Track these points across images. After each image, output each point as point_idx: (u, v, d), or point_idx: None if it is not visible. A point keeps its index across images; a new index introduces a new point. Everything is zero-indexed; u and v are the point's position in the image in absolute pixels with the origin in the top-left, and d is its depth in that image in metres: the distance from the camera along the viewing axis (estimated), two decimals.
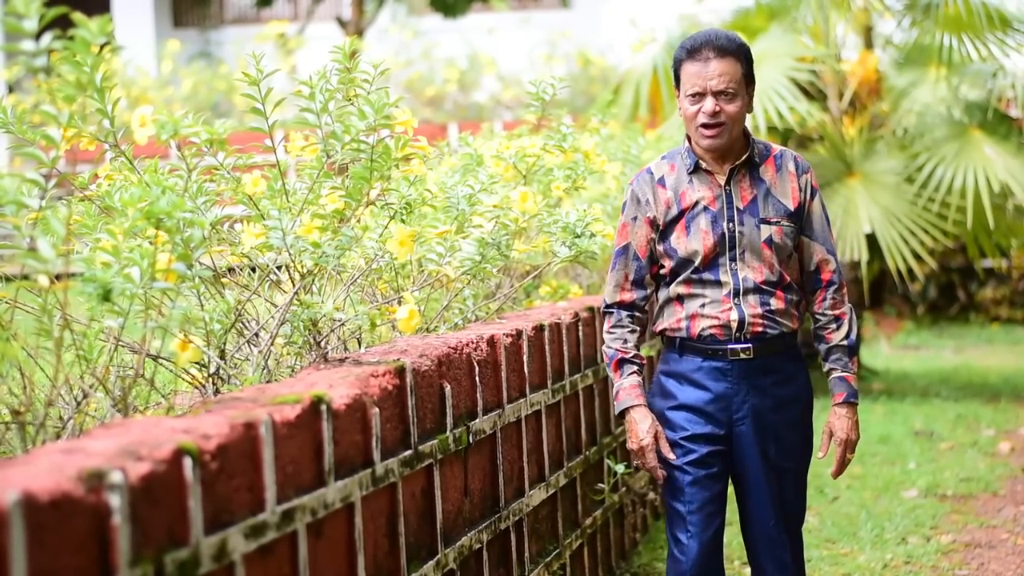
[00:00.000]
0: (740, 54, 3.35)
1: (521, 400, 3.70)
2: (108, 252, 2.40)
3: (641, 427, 3.38)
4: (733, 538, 4.66)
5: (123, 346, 2.81)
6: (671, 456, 3.38)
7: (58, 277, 2.33)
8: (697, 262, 3.36)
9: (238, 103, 14.99)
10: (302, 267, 3.03)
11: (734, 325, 3.35)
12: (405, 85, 17.03)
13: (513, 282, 4.50)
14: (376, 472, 2.64)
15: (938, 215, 8.61)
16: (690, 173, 3.40)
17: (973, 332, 12.80)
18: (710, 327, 3.37)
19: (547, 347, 3.97)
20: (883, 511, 5.83)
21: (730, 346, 3.37)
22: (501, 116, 16.74)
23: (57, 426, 2.58)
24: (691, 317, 3.39)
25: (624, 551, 4.93)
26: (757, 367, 3.38)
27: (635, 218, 3.45)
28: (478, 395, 3.32)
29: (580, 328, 4.40)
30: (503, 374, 3.54)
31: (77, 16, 2.39)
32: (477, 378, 3.32)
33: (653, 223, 3.41)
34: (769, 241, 3.37)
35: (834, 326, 3.46)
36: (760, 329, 3.36)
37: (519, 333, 3.72)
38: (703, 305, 3.37)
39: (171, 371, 3.07)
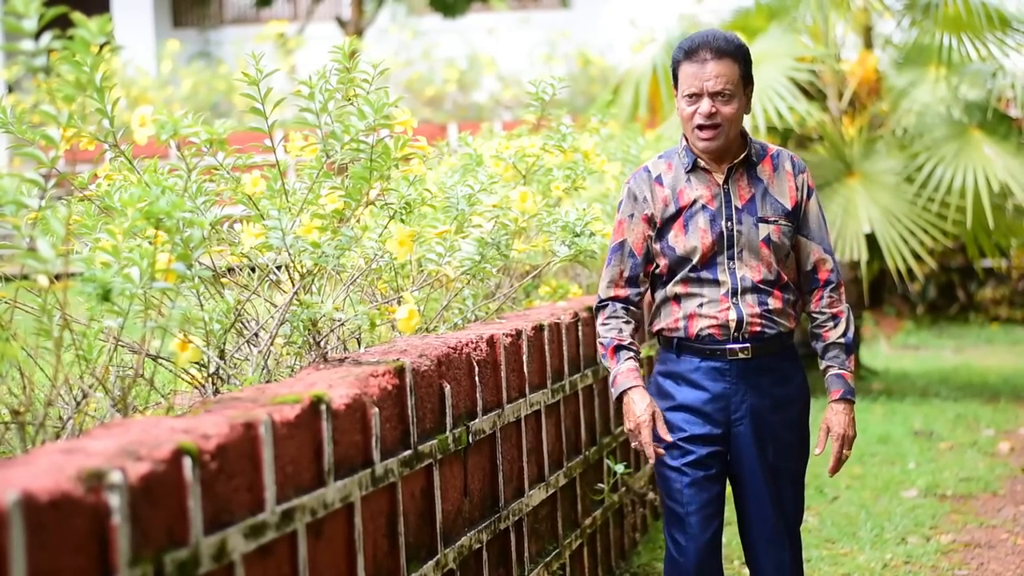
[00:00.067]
0: (738, 55, 3.35)
1: (521, 400, 3.70)
2: (108, 252, 2.40)
3: (638, 406, 3.35)
4: (732, 538, 4.66)
5: (123, 346, 2.81)
6: (667, 437, 3.34)
7: (58, 277, 2.33)
8: (695, 260, 3.36)
9: (238, 103, 14.98)
10: (302, 267, 3.03)
11: (732, 325, 3.35)
12: (405, 85, 17.03)
13: (513, 282, 4.50)
14: (376, 472, 2.64)
15: (938, 215, 8.61)
16: (688, 172, 3.40)
17: (973, 332, 12.80)
18: (708, 327, 3.37)
19: (547, 347, 3.97)
20: (883, 511, 5.83)
21: (728, 346, 3.37)
22: (501, 116, 16.74)
23: (57, 426, 2.58)
24: (689, 317, 3.39)
25: (624, 551, 4.93)
26: (755, 367, 3.38)
27: (632, 215, 3.44)
28: (478, 395, 3.32)
29: (580, 328, 4.40)
30: (503, 374, 3.54)
31: (76, 16, 2.39)
32: (477, 378, 3.32)
33: (650, 220, 3.41)
34: (767, 240, 3.37)
35: (831, 324, 3.47)
36: (758, 329, 3.36)
37: (519, 333, 3.72)
38: (701, 305, 3.37)
39: (171, 371, 3.07)
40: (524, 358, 3.75)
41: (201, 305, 3.08)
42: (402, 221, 3.35)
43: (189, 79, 16.66)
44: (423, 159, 3.44)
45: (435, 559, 2.94)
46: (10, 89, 16.11)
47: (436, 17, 17.33)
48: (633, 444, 3.39)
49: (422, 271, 3.56)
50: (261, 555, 2.17)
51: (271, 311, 3.24)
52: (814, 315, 3.49)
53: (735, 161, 3.39)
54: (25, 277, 2.51)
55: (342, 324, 3.13)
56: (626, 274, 3.45)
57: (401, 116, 3.24)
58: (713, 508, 3.41)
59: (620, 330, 3.44)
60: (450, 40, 18.42)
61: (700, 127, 3.32)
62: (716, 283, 3.36)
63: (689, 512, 3.39)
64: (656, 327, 3.49)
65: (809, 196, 3.46)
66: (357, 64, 3.27)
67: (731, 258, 3.36)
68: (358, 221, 3.32)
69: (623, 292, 3.46)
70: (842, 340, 3.46)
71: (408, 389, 2.85)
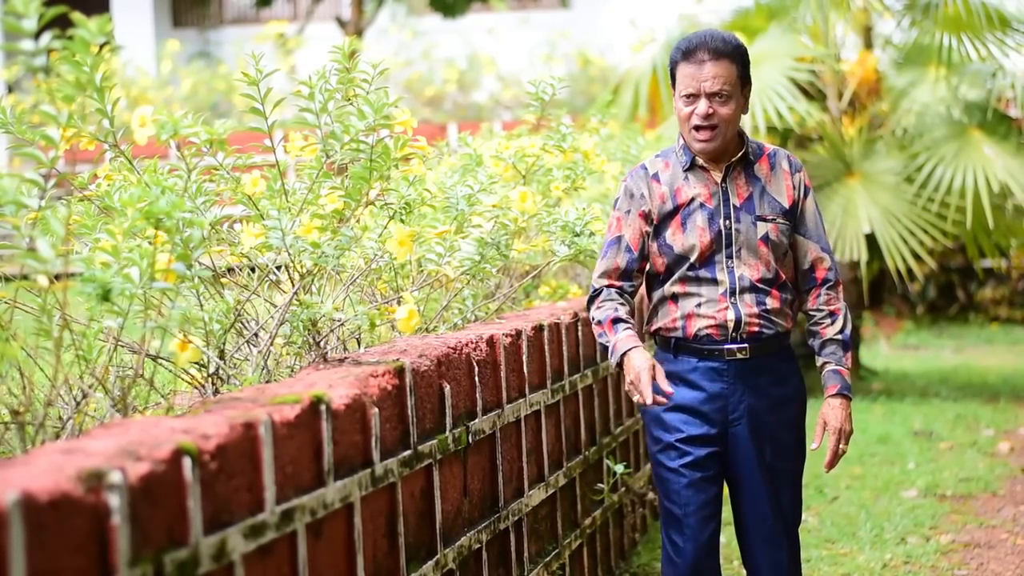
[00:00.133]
0: (735, 56, 3.34)
1: (520, 400, 3.70)
2: (107, 252, 2.40)
3: (637, 362, 3.25)
4: (732, 539, 4.66)
5: (122, 346, 2.81)
6: (669, 389, 3.23)
7: (57, 277, 2.33)
8: (693, 259, 3.36)
9: (237, 103, 14.98)
10: (301, 267, 3.03)
11: (730, 325, 3.35)
12: (405, 85, 17.03)
13: (512, 282, 4.50)
14: (375, 472, 2.64)
15: (937, 215, 8.61)
16: (686, 170, 3.40)
17: (972, 332, 12.80)
18: (706, 327, 3.36)
19: (546, 347, 3.97)
20: (882, 511, 5.83)
21: (726, 346, 3.37)
22: (500, 116, 16.74)
23: (56, 426, 2.58)
24: (687, 317, 3.38)
25: (623, 551, 4.93)
26: (753, 367, 3.38)
27: (628, 211, 3.43)
28: (477, 395, 3.32)
29: (579, 328, 4.40)
30: (502, 374, 3.54)
31: (76, 16, 2.39)
32: (476, 378, 3.32)
33: (647, 217, 3.41)
34: (766, 238, 3.37)
35: (828, 321, 3.46)
36: (756, 329, 3.36)
37: (518, 333, 3.72)
38: (699, 305, 3.37)
39: (170, 371, 3.07)
40: (524, 358, 3.75)
41: (201, 305, 3.08)
42: (402, 221, 3.35)
43: (189, 79, 16.66)
44: (423, 159, 3.44)
45: (435, 559, 2.94)
46: (10, 89, 16.11)
47: (436, 17, 17.33)
48: (635, 398, 3.26)
49: (422, 271, 3.56)
50: (261, 555, 2.17)
51: (271, 311, 3.24)
52: (811, 313, 3.49)
53: (733, 160, 3.39)
54: (25, 277, 2.51)
55: (342, 324, 3.13)
56: (621, 268, 3.43)
57: (401, 116, 3.24)
58: (711, 509, 3.41)
59: (616, 308, 3.39)
60: (450, 40, 18.42)
61: (697, 128, 3.32)
62: (714, 282, 3.36)
63: (687, 513, 3.39)
64: (653, 327, 3.49)
65: (806, 195, 3.46)
66: (357, 64, 3.27)
67: (729, 256, 3.36)
68: (358, 221, 3.32)
69: (617, 283, 3.44)
70: (839, 336, 3.45)
71: (408, 389, 2.85)
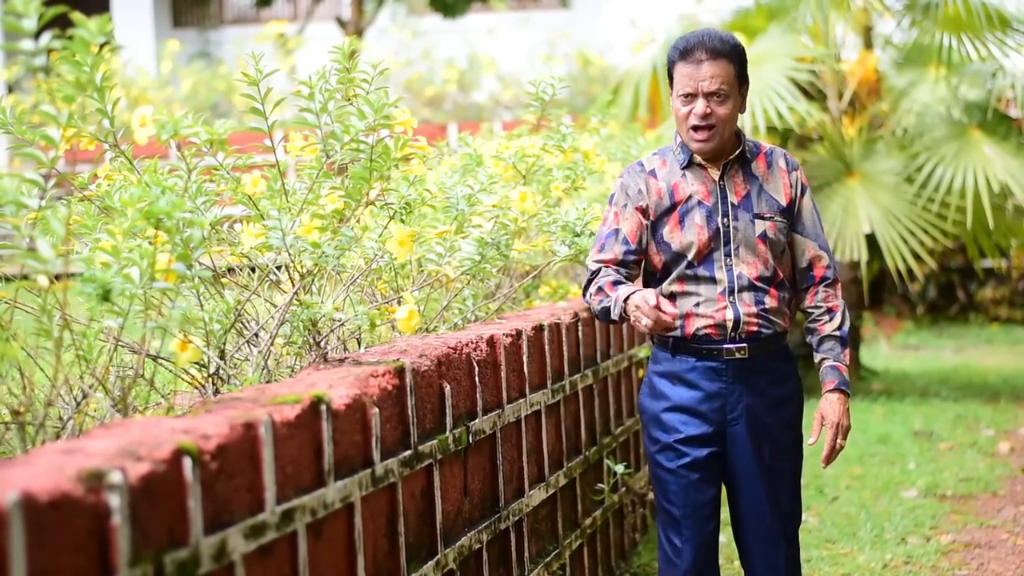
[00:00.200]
0: (733, 55, 3.33)
1: (521, 400, 3.70)
2: (108, 252, 2.40)
3: (640, 293, 3.16)
4: (732, 538, 4.66)
5: (123, 346, 2.81)
6: (673, 310, 3.15)
7: (58, 277, 2.33)
8: (691, 256, 3.35)
9: (238, 103, 14.98)
10: (302, 267, 3.03)
11: (729, 324, 3.35)
12: (405, 85, 17.03)
13: (513, 282, 4.50)
14: (376, 472, 2.64)
15: (938, 215, 8.61)
16: (683, 168, 3.40)
17: (973, 332, 12.80)
18: (705, 327, 3.36)
19: (547, 347, 3.97)
20: (883, 511, 5.83)
21: (725, 346, 3.36)
22: (501, 116, 16.74)
23: (57, 426, 2.58)
24: (685, 316, 3.38)
25: (624, 551, 4.93)
26: (751, 367, 3.38)
27: (626, 205, 3.41)
28: (478, 395, 3.32)
29: (580, 328, 4.40)
30: (503, 374, 3.54)
31: (76, 16, 2.39)
32: (477, 378, 3.32)
33: (645, 212, 3.40)
34: (764, 236, 3.37)
35: (826, 318, 3.46)
36: (755, 329, 3.36)
37: (519, 333, 3.72)
38: (698, 304, 3.36)
39: (171, 371, 3.07)
40: (524, 358, 3.75)
41: (201, 305, 3.08)
42: (402, 221, 3.34)
43: (189, 79, 16.66)
44: (423, 159, 3.44)
45: (435, 559, 2.94)
46: (10, 89, 16.11)
47: (436, 17, 17.33)
48: (642, 323, 3.14)
49: (422, 271, 3.56)
50: (261, 555, 2.17)
51: (271, 311, 3.24)
52: (809, 310, 3.48)
53: (730, 158, 3.39)
54: (25, 277, 2.51)
55: (342, 324, 3.13)
56: (619, 259, 3.38)
57: (401, 116, 3.24)
58: (710, 510, 3.41)
59: (615, 276, 3.34)
60: (450, 40, 18.42)
61: (695, 128, 3.32)
62: (712, 281, 3.36)
63: (686, 514, 3.39)
64: None
65: (803, 193, 3.46)
66: (357, 64, 3.27)
67: (728, 254, 3.35)
68: (358, 221, 3.32)
69: (614, 268, 3.40)
70: (837, 333, 3.45)
71: (408, 389, 2.85)
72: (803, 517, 5.64)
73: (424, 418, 2.96)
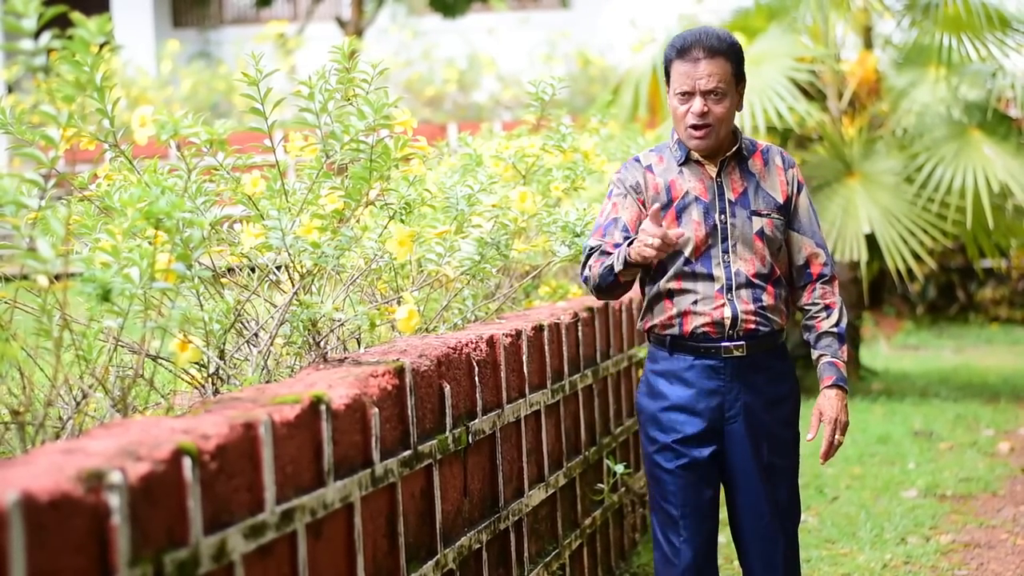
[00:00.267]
0: (730, 53, 3.33)
1: (520, 400, 3.70)
2: (107, 252, 2.40)
3: (643, 227, 3.14)
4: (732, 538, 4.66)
5: (123, 346, 2.81)
6: (679, 230, 3.13)
7: (57, 277, 2.33)
8: (688, 253, 3.35)
9: (238, 103, 14.98)
10: (301, 267, 3.03)
11: (727, 322, 3.34)
12: (405, 85, 17.03)
13: (512, 282, 4.50)
14: (375, 472, 2.64)
15: (937, 215, 8.61)
16: (681, 164, 3.40)
17: (972, 332, 12.80)
18: (703, 325, 3.35)
19: (546, 347, 3.97)
20: (883, 511, 5.83)
21: (723, 344, 3.36)
22: (500, 116, 16.74)
23: (56, 426, 2.58)
24: (683, 314, 3.38)
25: (623, 551, 4.93)
26: (749, 365, 3.38)
27: (625, 195, 3.39)
28: (477, 395, 3.32)
29: (579, 328, 4.40)
30: (502, 374, 3.54)
31: (76, 16, 2.39)
32: (476, 378, 3.32)
33: (643, 205, 3.39)
34: (761, 233, 3.37)
35: (824, 314, 3.46)
36: (752, 326, 3.36)
37: (518, 333, 3.72)
38: (695, 302, 3.36)
39: (171, 371, 3.07)
40: (524, 358, 3.75)
41: (201, 305, 3.08)
42: (402, 221, 3.34)
43: (189, 79, 16.66)
44: (423, 159, 3.44)
45: (435, 559, 2.94)
46: (10, 89, 16.10)
47: (436, 17, 17.33)
48: (649, 243, 3.10)
49: (422, 271, 3.56)
50: (261, 555, 2.17)
51: (271, 311, 3.24)
52: (806, 307, 3.48)
53: (727, 155, 3.39)
54: (25, 277, 2.51)
55: (342, 324, 3.13)
56: (618, 244, 3.34)
57: (401, 116, 3.24)
58: (708, 510, 3.41)
59: (616, 246, 3.31)
60: (450, 40, 18.42)
61: (693, 127, 3.32)
62: (710, 278, 3.35)
63: (684, 515, 3.38)
64: (648, 324, 3.47)
65: (799, 191, 3.46)
66: (357, 64, 3.27)
67: (725, 251, 3.35)
68: (358, 221, 3.32)
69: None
70: (835, 329, 3.45)
71: (408, 389, 2.85)
72: (803, 517, 5.66)
73: (424, 418, 2.96)
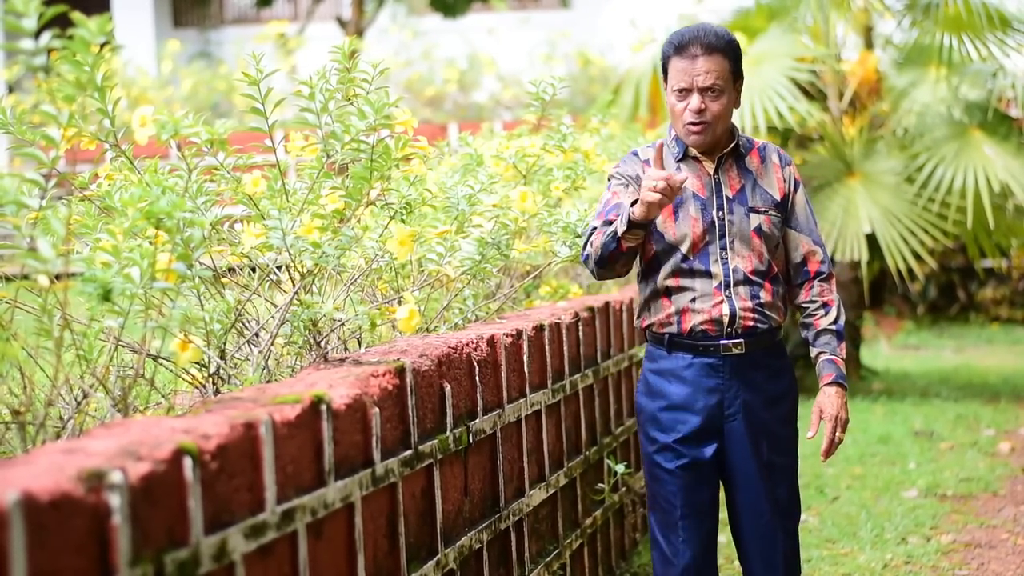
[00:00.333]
0: (728, 50, 3.33)
1: (521, 400, 3.70)
2: (108, 252, 2.40)
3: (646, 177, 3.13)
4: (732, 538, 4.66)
5: (123, 346, 2.81)
6: (682, 175, 3.12)
7: (58, 277, 2.33)
8: (685, 250, 3.35)
9: (238, 103, 14.99)
10: (302, 267, 3.03)
11: (726, 320, 3.34)
12: (405, 85, 17.03)
13: (513, 282, 4.50)
14: (376, 472, 2.64)
15: (938, 215, 8.61)
16: (678, 160, 3.39)
17: (973, 332, 12.80)
18: (701, 323, 3.35)
19: (547, 347, 3.97)
20: (883, 511, 5.83)
21: (722, 342, 3.36)
22: (501, 116, 16.74)
23: (57, 426, 2.58)
24: (681, 312, 3.37)
25: (624, 551, 4.93)
26: (748, 362, 3.37)
27: (627, 185, 3.37)
28: (478, 395, 3.32)
29: (580, 328, 4.40)
30: (503, 374, 3.53)
31: (76, 15, 2.39)
32: (477, 378, 3.32)
33: None
34: (759, 230, 3.37)
35: (822, 312, 3.46)
36: (751, 323, 3.36)
37: (519, 333, 3.71)
38: (694, 300, 3.36)
39: (171, 371, 3.07)
40: (524, 358, 3.75)
41: (201, 305, 3.08)
42: (402, 221, 3.34)
43: (189, 79, 16.66)
44: (423, 159, 3.44)
45: (435, 559, 2.94)
46: (10, 89, 16.11)
47: (436, 17, 17.34)
48: (653, 186, 3.08)
49: (422, 271, 3.55)
50: (261, 555, 2.17)
51: (271, 311, 3.24)
52: (804, 305, 3.48)
53: (724, 151, 3.39)
54: (25, 277, 2.51)
55: (342, 324, 3.13)
56: None
57: (401, 116, 3.24)
58: (708, 510, 3.41)
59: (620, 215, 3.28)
60: (450, 40, 18.42)
61: (690, 123, 3.32)
62: (708, 275, 3.35)
63: (684, 515, 3.38)
64: (645, 323, 3.47)
65: (796, 189, 3.46)
66: (357, 64, 3.27)
67: (723, 248, 3.35)
68: (358, 221, 3.32)
69: None
70: (833, 327, 3.45)
71: (408, 389, 2.85)
72: (804, 517, 5.65)
73: (424, 418, 2.96)
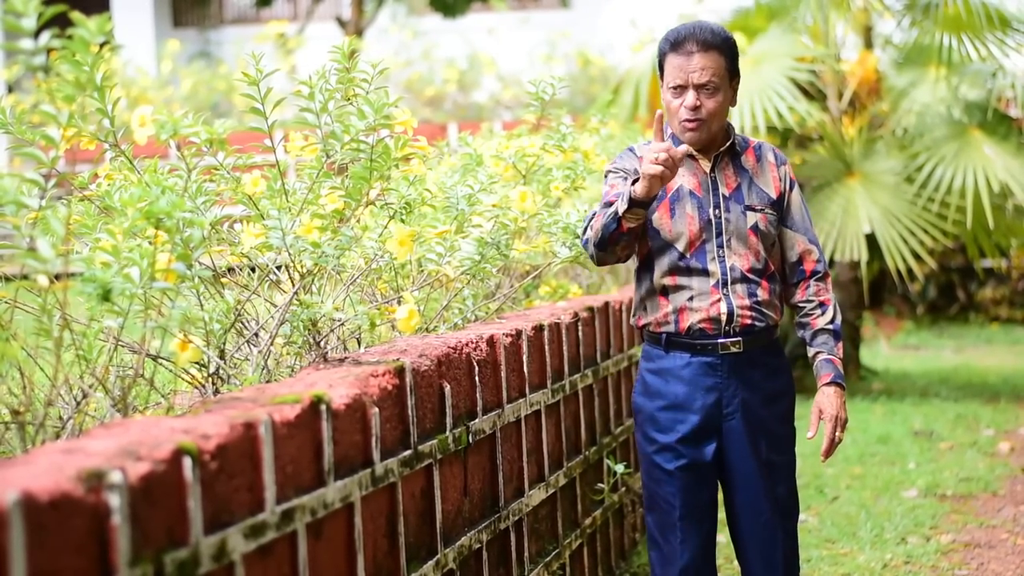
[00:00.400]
0: (724, 47, 3.32)
1: (521, 400, 3.70)
2: (108, 252, 2.40)
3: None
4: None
5: (123, 346, 2.81)
6: (684, 148, 3.12)
7: (58, 277, 2.33)
8: (682, 248, 3.34)
9: (238, 103, 14.98)
10: (302, 267, 3.03)
11: (723, 318, 3.34)
12: (405, 85, 17.03)
13: (513, 282, 4.50)
14: (376, 472, 2.64)
15: (938, 215, 8.61)
16: None
17: (973, 332, 12.80)
18: (699, 321, 3.35)
19: (547, 347, 3.97)
20: (883, 511, 5.83)
21: (720, 340, 3.36)
22: (501, 116, 16.74)
23: (57, 426, 2.58)
24: (679, 311, 3.37)
25: (624, 551, 4.93)
26: (746, 361, 3.37)
27: (625, 178, 3.35)
28: (478, 395, 3.32)
29: (580, 328, 4.40)
30: (503, 374, 3.53)
31: (76, 15, 2.39)
32: (477, 378, 3.32)
33: None
34: (755, 228, 3.37)
35: (819, 311, 3.46)
36: (748, 322, 3.36)
37: (519, 333, 3.72)
38: (691, 298, 3.35)
39: (171, 371, 3.07)
40: (524, 358, 3.75)
41: (201, 305, 3.08)
42: (402, 221, 3.34)
43: (189, 79, 16.66)
44: (423, 159, 3.44)
45: (435, 559, 2.94)
46: (10, 89, 16.11)
47: (436, 17, 17.33)
48: (655, 159, 3.05)
49: (422, 271, 3.55)
50: (261, 555, 2.17)
51: (271, 311, 3.24)
52: (800, 304, 3.48)
53: (720, 150, 3.39)
54: (25, 277, 2.51)
55: (342, 324, 3.13)
56: None
57: (401, 116, 3.24)
58: (707, 510, 3.41)
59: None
60: (450, 40, 18.42)
61: (685, 120, 3.31)
62: (705, 273, 3.34)
63: (683, 515, 3.37)
64: (642, 322, 3.47)
65: (792, 188, 3.47)
66: (357, 64, 3.27)
67: (720, 246, 3.35)
68: (358, 221, 3.32)
69: None
70: (830, 326, 3.45)
71: (408, 389, 2.85)
72: (803, 517, 5.65)
73: (424, 418, 2.96)
